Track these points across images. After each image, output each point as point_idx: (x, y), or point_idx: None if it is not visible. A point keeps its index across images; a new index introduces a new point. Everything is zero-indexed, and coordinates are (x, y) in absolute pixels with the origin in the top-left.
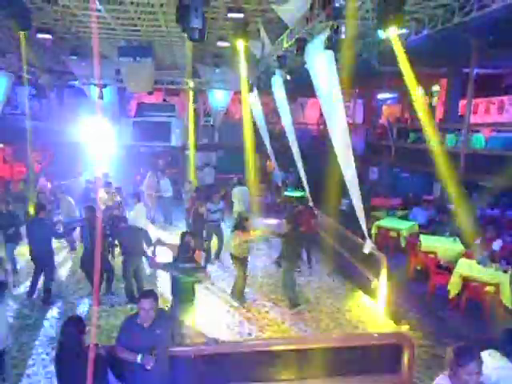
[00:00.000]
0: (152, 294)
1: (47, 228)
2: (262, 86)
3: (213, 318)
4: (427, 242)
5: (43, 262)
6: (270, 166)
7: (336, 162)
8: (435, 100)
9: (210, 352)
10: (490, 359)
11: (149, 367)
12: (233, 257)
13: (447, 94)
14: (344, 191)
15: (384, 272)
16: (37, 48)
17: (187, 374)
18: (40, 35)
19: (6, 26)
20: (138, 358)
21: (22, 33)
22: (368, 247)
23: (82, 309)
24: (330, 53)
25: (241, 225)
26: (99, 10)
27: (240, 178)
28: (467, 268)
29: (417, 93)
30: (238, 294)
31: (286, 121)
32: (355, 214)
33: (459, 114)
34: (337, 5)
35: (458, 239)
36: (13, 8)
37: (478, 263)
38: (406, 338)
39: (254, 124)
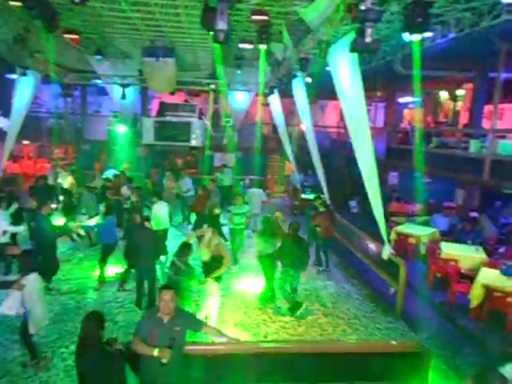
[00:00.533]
0: (173, 288)
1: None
2: (283, 88)
3: (229, 318)
4: (448, 250)
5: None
6: (288, 169)
7: (355, 166)
8: (459, 104)
9: (225, 352)
10: None
11: (165, 361)
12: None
13: (473, 98)
14: (354, 193)
15: (403, 278)
16: (63, 47)
17: (202, 373)
18: (67, 35)
19: (34, 27)
20: (155, 351)
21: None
22: (386, 253)
23: (100, 303)
24: (355, 55)
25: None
26: (125, 11)
27: (252, 180)
28: (490, 277)
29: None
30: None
31: (306, 123)
32: (365, 216)
33: (484, 119)
34: (363, 7)
35: (480, 248)
36: (41, 9)
37: (502, 273)
38: (424, 346)
39: (274, 126)
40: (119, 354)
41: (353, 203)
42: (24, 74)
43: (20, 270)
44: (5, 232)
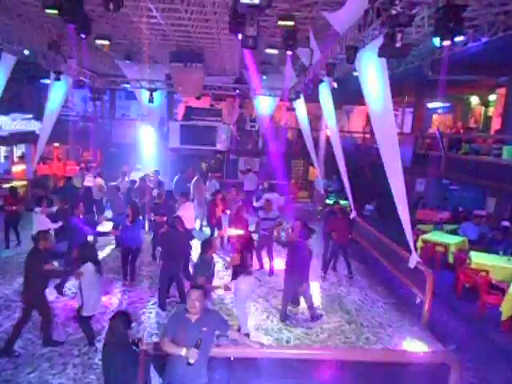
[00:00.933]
0: (202, 288)
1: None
2: (309, 93)
3: (251, 322)
4: (478, 259)
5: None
6: (312, 173)
7: (381, 172)
8: (491, 110)
9: (248, 355)
10: None
11: (192, 361)
12: None
13: (506, 103)
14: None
15: (430, 288)
16: (94, 52)
17: (226, 376)
18: (98, 41)
19: (67, 33)
20: (183, 352)
21: (81, 39)
22: (413, 261)
23: (126, 304)
24: (383, 61)
25: None
26: (155, 17)
27: (270, 184)
28: None
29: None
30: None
31: (332, 128)
32: (381, 220)
33: None
34: (393, 12)
35: None
36: (75, 16)
37: None
38: (452, 357)
39: (300, 131)
40: (144, 354)
41: (369, 207)
42: (58, 79)
43: (76, 261)
44: (49, 230)
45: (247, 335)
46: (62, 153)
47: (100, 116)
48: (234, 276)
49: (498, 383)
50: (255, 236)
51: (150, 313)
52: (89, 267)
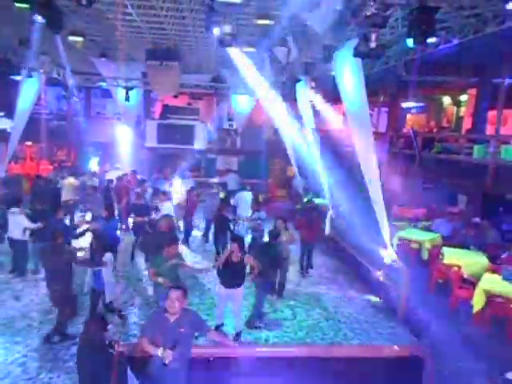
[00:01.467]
0: (182, 288)
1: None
2: (287, 92)
3: (229, 322)
4: (450, 255)
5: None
6: (290, 172)
7: (357, 170)
8: (463, 110)
9: (226, 355)
10: None
11: (167, 361)
12: None
13: (476, 103)
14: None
15: (405, 284)
16: (67, 49)
17: (203, 376)
18: (72, 38)
19: (39, 28)
20: (159, 352)
21: (54, 35)
22: (389, 258)
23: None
24: (359, 61)
25: None
26: (130, 14)
27: (245, 183)
28: (492, 283)
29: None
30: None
31: (309, 127)
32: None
33: (488, 124)
34: (368, 13)
35: (483, 253)
36: (47, 11)
37: (504, 279)
38: (426, 351)
39: (277, 130)
40: (121, 355)
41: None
42: (29, 76)
43: (96, 251)
44: (25, 229)
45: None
46: (34, 152)
47: (74, 114)
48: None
49: (470, 375)
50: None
51: (128, 314)
52: (108, 256)
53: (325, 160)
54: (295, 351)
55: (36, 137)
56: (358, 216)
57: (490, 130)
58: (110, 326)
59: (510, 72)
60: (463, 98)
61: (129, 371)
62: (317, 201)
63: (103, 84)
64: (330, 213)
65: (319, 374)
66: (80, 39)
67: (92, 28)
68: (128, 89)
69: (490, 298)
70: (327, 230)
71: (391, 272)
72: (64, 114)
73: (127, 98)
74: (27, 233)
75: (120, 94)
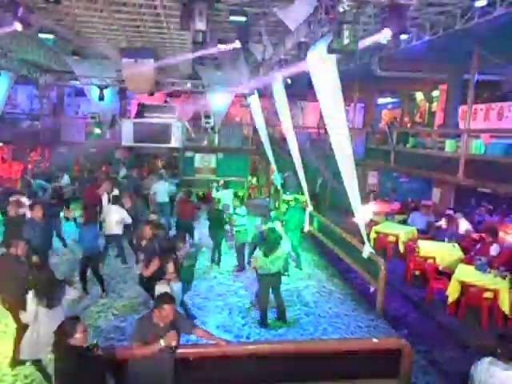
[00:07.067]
0: (172, 298)
1: None
2: (263, 89)
3: (212, 320)
4: (426, 248)
5: None
6: (269, 169)
7: (335, 166)
8: (435, 105)
9: (209, 354)
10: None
11: (174, 344)
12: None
13: (447, 99)
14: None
15: (382, 277)
16: (39, 47)
17: (186, 377)
18: (41, 35)
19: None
20: (162, 342)
21: (23, 32)
22: (367, 252)
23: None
24: (333, 57)
25: None
26: (101, 10)
27: (225, 182)
28: (466, 274)
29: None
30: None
31: (286, 124)
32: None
33: (459, 119)
34: (340, 9)
35: (456, 245)
36: (12, 5)
37: (477, 269)
38: (404, 343)
39: (255, 127)
40: (100, 359)
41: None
42: None
43: None
44: None
45: None
46: (6, 153)
47: (47, 114)
48: None
49: (446, 363)
50: None
51: (106, 317)
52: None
53: (303, 156)
54: (278, 347)
55: (7, 137)
56: (336, 211)
57: (461, 124)
58: (88, 329)
59: (479, 68)
60: (435, 93)
61: (108, 375)
62: (295, 196)
63: (76, 82)
64: (308, 209)
65: (299, 369)
66: (51, 37)
67: (62, 25)
68: (102, 88)
69: (464, 288)
70: (306, 226)
71: (369, 266)
72: (36, 114)
73: (102, 97)
74: None
75: (94, 92)
